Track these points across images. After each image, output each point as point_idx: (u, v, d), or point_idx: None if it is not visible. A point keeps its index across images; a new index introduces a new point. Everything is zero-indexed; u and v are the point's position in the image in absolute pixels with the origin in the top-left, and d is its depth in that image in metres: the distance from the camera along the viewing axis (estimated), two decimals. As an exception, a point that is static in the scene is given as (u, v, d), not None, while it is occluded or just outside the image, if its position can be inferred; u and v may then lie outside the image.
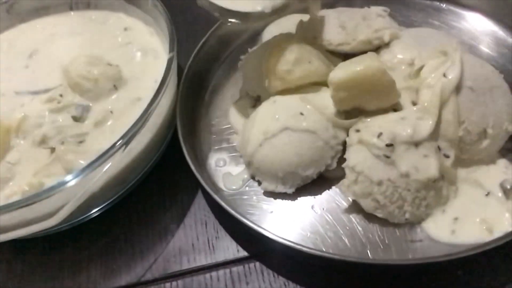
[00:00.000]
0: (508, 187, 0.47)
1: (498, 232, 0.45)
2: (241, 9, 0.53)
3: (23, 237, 0.49)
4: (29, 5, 0.67)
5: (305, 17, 0.61)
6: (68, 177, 0.43)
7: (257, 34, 0.66)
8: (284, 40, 0.55)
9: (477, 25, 0.63)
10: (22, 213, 0.44)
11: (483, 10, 0.63)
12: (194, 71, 0.60)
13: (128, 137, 0.45)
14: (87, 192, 0.45)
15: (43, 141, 0.52)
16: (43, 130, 0.53)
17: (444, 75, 0.48)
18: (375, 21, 0.56)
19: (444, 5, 0.65)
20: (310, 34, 0.56)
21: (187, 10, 0.74)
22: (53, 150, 0.51)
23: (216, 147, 0.56)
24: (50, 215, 0.46)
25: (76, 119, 0.54)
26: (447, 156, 0.48)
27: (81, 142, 0.52)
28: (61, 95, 0.56)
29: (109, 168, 0.46)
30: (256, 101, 0.58)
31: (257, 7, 0.52)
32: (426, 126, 0.47)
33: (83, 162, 0.48)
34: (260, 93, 0.57)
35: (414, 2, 0.66)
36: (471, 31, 0.62)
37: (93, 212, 0.52)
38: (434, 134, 0.47)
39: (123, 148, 0.45)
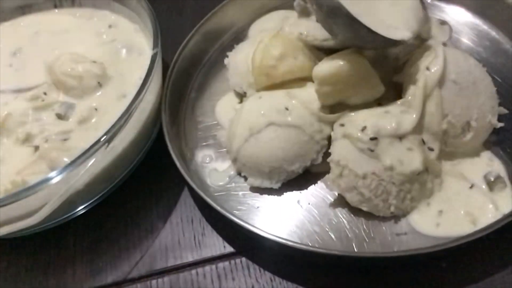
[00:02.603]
0: (492, 179, 0.48)
1: (482, 224, 0.45)
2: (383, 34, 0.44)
3: (7, 236, 0.48)
4: (13, 3, 0.66)
5: (291, 13, 0.61)
6: (51, 175, 0.43)
7: (243, 30, 0.66)
8: (269, 36, 0.55)
9: (460, 18, 0.63)
10: (5, 211, 0.43)
11: (466, 4, 0.63)
12: (180, 67, 0.60)
13: (111, 134, 0.45)
14: (70, 190, 0.45)
15: (26, 139, 0.52)
16: (27, 128, 0.52)
17: (428, 69, 0.48)
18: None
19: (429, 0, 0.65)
20: (295, 30, 0.56)
21: (173, 7, 0.73)
22: (37, 148, 0.51)
23: (202, 144, 0.56)
24: (34, 213, 0.45)
25: (60, 116, 0.54)
26: (431, 149, 0.48)
27: (65, 139, 0.52)
28: (45, 93, 0.56)
29: (93, 165, 0.46)
30: (243, 97, 0.58)
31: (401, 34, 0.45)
32: (410, 120, 0.47)
33: (67, 160, 0.48)
34: (246, 89, 0.56)
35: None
36: (454, 25, 0.62)
37: (79, 210, 0.51)
38: (418, 128, 0.47)
39: (106, 145, 0.45)
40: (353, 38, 0.46)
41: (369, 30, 0.43)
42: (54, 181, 0.43)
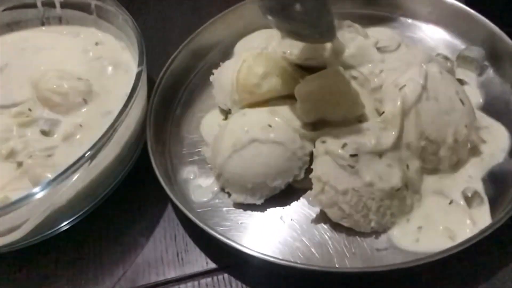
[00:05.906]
0: (470, 195, 0.49)
1: (460, 239, 0.45)
2: None
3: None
4: (0, 20, 0.67)
5: (275, 33, 0.62)
6: (33, 191, 0.43)
7: (228, 48, 0.67)
8: (253, 54, 0.57)
9: (436, 36, 0.64)
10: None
11: (437, 21, 0.65)
12: (165, 84, 0.60)
13: (95, 150, 0.45)
14: (53, 206, 0.45)
15: (10, 155, 0.52)
16: (10, 144, 0.53)
17: (406, 87, 0.49)
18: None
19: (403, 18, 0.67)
20: (279, 49, 0.58)
21: (160, 25, 0.75)
22: (20, 164, 0.51)
23: (187, 160, 0.57)
24: (16, 229, 0.45)
25: (44, 133, 0.54)
26: (410, 166, 0.49)
27: (49, 156, 0.52)
28: (30, 109, 0.56)
29: (76, 181, 0.46)
30: (228, 114, 0.58)
31: None
32: (389, 137, 0.48)
33: (50, 176, 0.48)
34: (231, 106, 0.57)
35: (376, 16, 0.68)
36: (429, 42, 0.64)
37: (62, 226, 0.51)
38: (397, 144, 0.48)
39: (89, 161, 0.45)
40: (306, 25, 0.44)
41: (332, 20, 0.45)
42: (36, 197, 0.43)
